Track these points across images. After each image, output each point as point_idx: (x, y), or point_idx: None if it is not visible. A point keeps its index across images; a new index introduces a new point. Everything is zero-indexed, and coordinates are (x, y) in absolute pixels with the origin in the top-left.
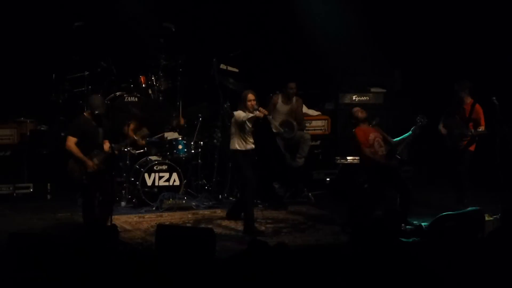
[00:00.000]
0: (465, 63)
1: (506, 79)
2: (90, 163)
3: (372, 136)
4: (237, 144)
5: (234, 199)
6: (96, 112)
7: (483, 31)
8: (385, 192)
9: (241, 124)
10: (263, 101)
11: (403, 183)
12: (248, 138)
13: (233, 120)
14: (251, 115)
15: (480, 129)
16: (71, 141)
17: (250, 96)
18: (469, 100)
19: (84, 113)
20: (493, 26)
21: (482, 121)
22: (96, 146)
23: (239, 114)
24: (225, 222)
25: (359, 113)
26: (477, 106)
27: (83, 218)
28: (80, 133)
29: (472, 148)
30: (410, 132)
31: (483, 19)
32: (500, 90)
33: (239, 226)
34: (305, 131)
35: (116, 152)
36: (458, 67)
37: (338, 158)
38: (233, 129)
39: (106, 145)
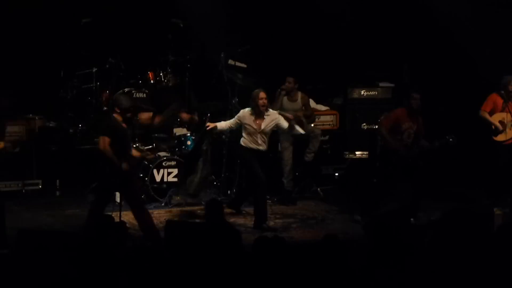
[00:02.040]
0: (474, 57)
1: None
2: (124, 165)
3: (406, 125)
4: (242, 141)
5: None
6: (128, 114)
7: (493, 25)
8: (395, 185)
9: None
10: (271, 97)
11: (418, 177)
12: (254, 138)
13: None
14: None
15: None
16: (106, 141)
17: (262, 94)
18: None
19: (114, 114)
20: (503, 19)
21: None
22: (127, 149)
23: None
24: (234, 218)
25: (414, 101)
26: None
27: (91, 215)
28: (112, 134)
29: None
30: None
31: (492, 12)
32: None
33: (248, 221)
34: (313, 125)
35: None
36: (467, 61)
37: (347, 153)
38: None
39: (134, 151)
